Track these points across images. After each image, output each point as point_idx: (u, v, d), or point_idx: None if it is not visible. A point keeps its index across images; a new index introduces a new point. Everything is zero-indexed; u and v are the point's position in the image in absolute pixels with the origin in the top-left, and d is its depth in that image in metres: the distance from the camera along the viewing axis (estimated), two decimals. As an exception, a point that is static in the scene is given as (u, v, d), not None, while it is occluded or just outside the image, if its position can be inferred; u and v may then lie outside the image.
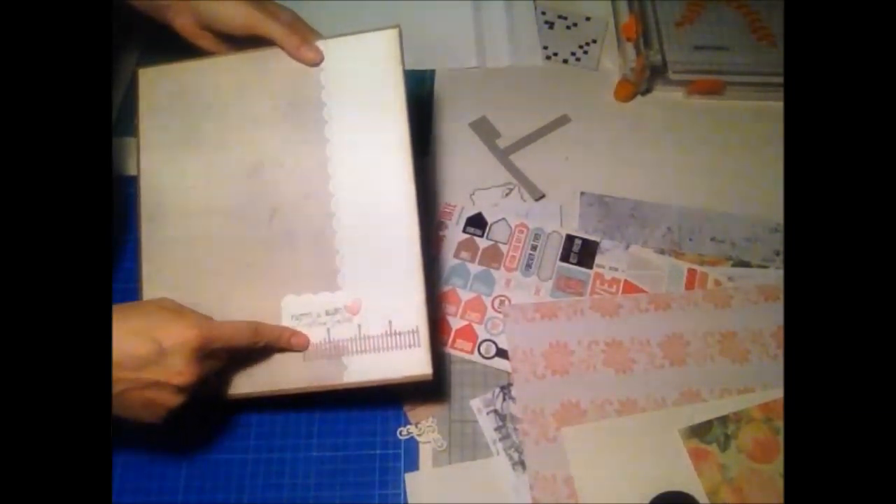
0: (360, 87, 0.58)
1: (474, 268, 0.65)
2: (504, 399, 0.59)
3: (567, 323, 0.62)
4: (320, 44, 0.59)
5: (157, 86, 0.60)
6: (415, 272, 0.54)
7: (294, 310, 0.55)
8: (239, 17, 0.58)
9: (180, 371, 0.47)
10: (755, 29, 0.75)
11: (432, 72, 0.77)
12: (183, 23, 0.60)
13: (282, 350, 0.54)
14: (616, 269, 0.65)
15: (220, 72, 0.60)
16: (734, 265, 0.65)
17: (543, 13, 0.81)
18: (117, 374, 0.45)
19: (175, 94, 0.60)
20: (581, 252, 0.66)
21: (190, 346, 0.47)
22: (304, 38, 0.58)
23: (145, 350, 0.46)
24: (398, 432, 0.58)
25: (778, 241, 0.66)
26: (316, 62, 0.58)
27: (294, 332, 0.54)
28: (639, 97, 0.76)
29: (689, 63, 0.73)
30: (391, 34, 0.58)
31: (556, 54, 0.78)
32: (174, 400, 0.48)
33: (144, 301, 0.55)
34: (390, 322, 0.53)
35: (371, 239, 0.55)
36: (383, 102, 0.57)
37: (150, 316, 0.48)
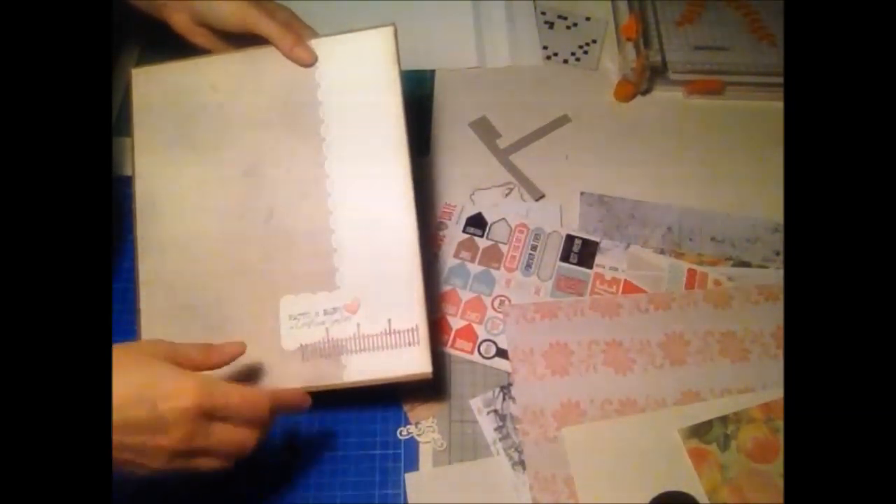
0: (356, 85, 0.57)
1: (474, 268, 0.65)
2: (504, 399, 0.59)
3: (567, 323, 0.62)
4: (316, 42, 0.59)
5: (152, 86, 0.60)
6: (413, 270, 0.54)
7: (292, 309, 0.54)
8: (235, 14, 0.58)
9: (173, 436, 0.41)
10: (755, 29, 0.75)
11: (432, 72, 0.76)
12: (179, 20, 0.60)
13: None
14: (616, 269, 0.65)
15: (215, 71, 0.60)
16: (734, 265, 0.65)
17: (543, 13, 0.81)
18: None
19: (169, 94, 0.60)
20: (581, 252, 0.66)
21: (188, 411, 0.42)
22: (299, 37, 0.58)
23: (141, 413, 0.41)
24: (398, 432, 0.58)
25: (778, 241, 0.66)
26: (308, 63, 0.58)
27: (307, 398, 0.49)
28: (639, 97, 0.75)
29: (689, 63, 0.73)
30: (386, 32, 0.58)
31: (556, 54, 0.78)
32: (164, 464, 0.43)
33: (142, 345, 0.50)
34: (389, 320, 0.53)
35: (369, 237, 0.55)
36: (379, 101, 0.57)
37: (148, 369, 0.43)
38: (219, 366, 0.48)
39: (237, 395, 0.44)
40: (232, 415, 0.44)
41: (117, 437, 0.40)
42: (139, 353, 0.44)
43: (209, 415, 0.43)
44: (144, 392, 0.41)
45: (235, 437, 0.44)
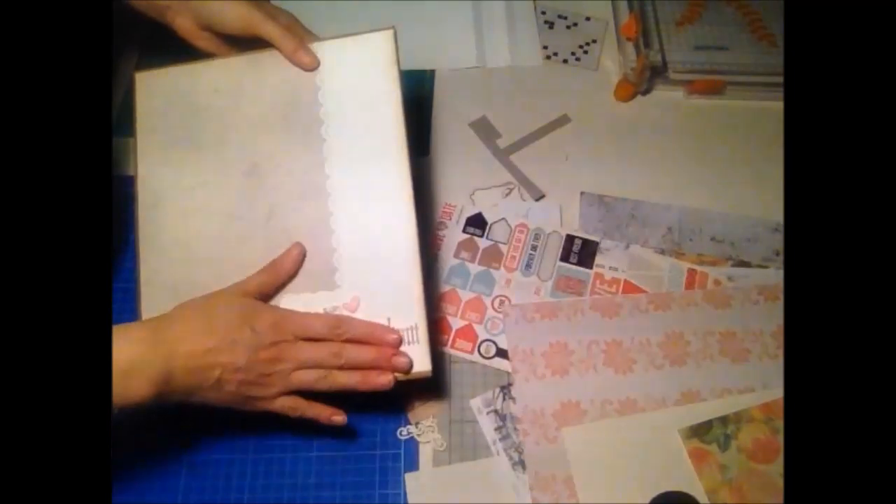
0: (356, 87, 0.58)
1: (474, 268, 0.65)
2: (504, 399, 0.59)
3: (567, 323, 0.62)
4: (317, 45, 0.59)
5: (154, 89, 0.61)
6: (413, 269, 0.54)
7: (292, 308, 0.54)
8: (239, 18, 0.59)
9: (270, 349, 0.50)
10: (755, 29, 0.75)
11: (432, 72, 0.77)
12: (183, 23, 0.60)
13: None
14: (616, 269, 0.65)
15: (218, 74, 0.60)
16: (734, 265, 0.65)
17: (543, 13, 0.81)
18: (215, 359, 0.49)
19: (172, 96, 0.60)
20: (581, 252, 0.66)
21: (276, 324, 0.51)
22: (301, 41, 0.58)
23: (244, 333, 0.50)
24: (398, 432, 0.58)
25: (778, 241, 0.66)
26: (311, 67, 0.58)
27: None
28: (639, 97, 0.76)
29: (689, 63, 0.73)
30: (387, 35, 0.58)
31: (556, 54, 0.78)
32: (281, 381, 0.51)
33: (224, 293, 0.55)
34: (389, 319, 0.53)
35: (368, 237, 0.55)
36: (380, 102, 0.57)
37: (239, 305, 0.52)
38: (290, 274, 0.54)
39: (309, 317, 0.52)
40: (309, 332, 0.51)
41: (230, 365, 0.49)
42: (230, 296, 0.52)
43: (291, 331, 0.51)
44: (242, 319, 0.50)
45: (318, 348, 0.51)
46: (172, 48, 0.61)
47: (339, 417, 0.53)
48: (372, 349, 0.52)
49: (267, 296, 0.54)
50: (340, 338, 0.52)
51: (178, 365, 0.48)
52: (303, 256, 0.55)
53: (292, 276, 0.54)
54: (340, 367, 0.51)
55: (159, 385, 0.47)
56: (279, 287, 0.54)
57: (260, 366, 0.50)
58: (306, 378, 0.51)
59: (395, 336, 0.52)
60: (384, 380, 0.52)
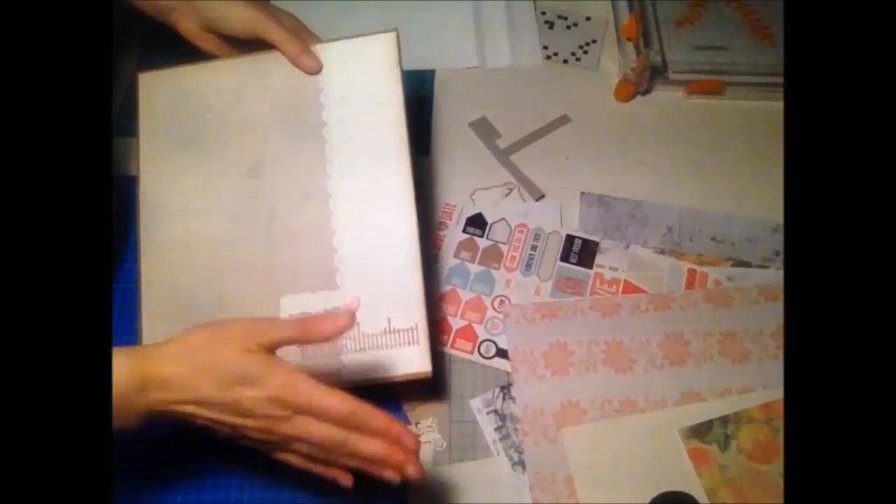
0: (358, 89, 0.58)
1: (474, 268, 0.65)
2: (504, 399, 0.59)
3: (567, 323, 0.62)
4: (320, 47, 0.59)
5: (158, 90, 0.61)
6: (413, 270, 0.54)
7: (292, 309, 0.55)
8: (242, 20, 0.59)
9: (258, 421, 0.44)
10: (755, 29, 0.75)
11: (432, 72, 0.77)
12: (187, 25, 0.61)
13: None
14: (616, 269, 0.65)
15: (220, 75, 0.60)
16: (734, 265, 0.65)
17: (543, 13, 0.81)
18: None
19: (175, 97, 0.60)
20: (581, 252, 0.66)
21: (270, 400, 0.43)
22: (304, 44, 0.59)
23: (227, 396, 0.43)
24: (398, 432, 0.58)
25: (778, 241, 0.66)
26: (314, 70, 0.59)
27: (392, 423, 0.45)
28: (639, 97, 0.76)
29: (689, 63, 0.73)
30: (389, 37, 0.58)
31: (556, 54, 0.78)
32: (257, 444, 0.46)
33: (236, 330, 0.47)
34: (389, 320, 0.53)
35: (369, 238, 0.55)
36: (381, 104, 0.57)
37: (243, 356, 0.44)
38: (325, 339, 0.46)
39: (320, 393, 0.43)
40: (314, 411, 0.43)
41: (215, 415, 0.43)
42: (240, 349, 0.43)
43: (292, 407, 0.43)
44: (241, 380, 0.43)
45: (320, 430, 0.43)
46: (173, 48, 0.62)
47: (346, 481, 0.47)
48: (383, 446, 0.44)
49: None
50: (352, 426, 0.44)
51: (155, 401, 0.43)
52: (350, 324, 0.45)
53: (328, 341, 0.46)
54: (340, 457, 0.45)
55: (141, 418, 0.43)
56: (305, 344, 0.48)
57: (247, 430, 0.44)
58: (299, 451, 0.45)
59: (412, 441, 0.45)
60: (390, 475, 0.45)
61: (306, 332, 0.45)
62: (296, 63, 0.59)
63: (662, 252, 0.66)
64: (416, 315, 0.53)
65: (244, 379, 0.43)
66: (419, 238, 0.55)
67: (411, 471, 0.44)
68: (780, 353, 0.60)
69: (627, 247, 0.66)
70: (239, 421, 0.44)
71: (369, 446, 0.44)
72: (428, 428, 0.58)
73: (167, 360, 0.43)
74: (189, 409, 0.43)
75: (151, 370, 0.43)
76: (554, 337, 0.61)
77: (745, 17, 0.76)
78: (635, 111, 0.75)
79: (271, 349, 0.44)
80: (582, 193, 0.69)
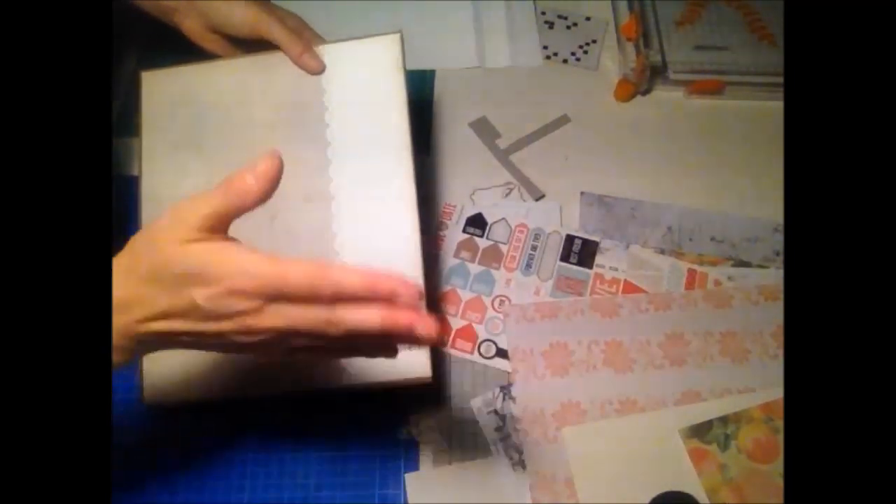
0: (361, 91, 0.58)
1: (474, 268, 0.65)
2: (504, 399, 0.59)
3: (567, 323, 0.62)
4: (323, 48, 0.59)
5: (160, 89, 0.61)
6: (415, 272, 0.54)
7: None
8: (246, 20, 0.59)
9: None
10: (755, 29, 0.75)
11: (432, 72, 0.76)
12: (191, 25, 0.61)
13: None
14: (616, 269, 0.65)
15: (223, 75, 0.60)
16: (734, 265, 0.65)
17: (543, 13, 0.81)
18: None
19: (177, 97, 0.60)
20: (581, 252, 0.66)
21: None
22: (308, 44, 0.59)
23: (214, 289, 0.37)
24: (398, 432, 0.58)
25: (778, 241, 0.66)
26: (317, 71, 0.59)
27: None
28: (639, 97, 0.76)
29: (689, 63, 0.73)
30: (393, 39, 0.58)
31: (556, 54, 0.78)
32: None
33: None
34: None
35: (371, 241, 0.55)
36: (385, 106, 0.57)
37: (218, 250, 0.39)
38: (257, 197, 0.40)
39: (276, 271, 0.38)
40: (280, 295, 0.38)
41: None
42: (174, 243, 0.38)
43: (256, 296, 0.37)
44: (178, 277, 0.37)
45: (298, 315, 0.38)
46: (175, 48, 0.62)
47: (390, 355, 0.42)
48: (377, 312, 0.37)
49: (225, 227, 0.41)
50: (327, 298, 0.37)
51: (122, 325, 0.39)
52: (278, 168, 0.40)
53: (263, 198, 0.40)
54: (338, 339, 0.38)
55: (126, 348, 0.39)
56: (244, 213, 0.41)
57: (234, 337, 0.39)
58: (303, 346, 0.39)
59: (408, 292, 0.37)
60: (408, 340, 0.38)
61: (231, 193, 0.40)
62: (298, 63, 0.59)
63: (662, 252, 0.66)
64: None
65: (190, 278, 0.37)
66: (421, 242, 0.55)
67: (421, 329, 0.37)
68: (780, 353, 0.60)
69: (627, 247, 0.66)
70: (214, 327, 0.38)
71: (358, 316, 0.37)
72: (428, 428, 0.58)
73: (115, 280, 0.39)
74: (159, 325, 0.39)
75: None
76: (554, 337, 0.61)
77: (745, 17, 0.76)
78: (635, 111, 0.75)
79: (210, 231, 0.39)
80: (582, 193, 0.69)
